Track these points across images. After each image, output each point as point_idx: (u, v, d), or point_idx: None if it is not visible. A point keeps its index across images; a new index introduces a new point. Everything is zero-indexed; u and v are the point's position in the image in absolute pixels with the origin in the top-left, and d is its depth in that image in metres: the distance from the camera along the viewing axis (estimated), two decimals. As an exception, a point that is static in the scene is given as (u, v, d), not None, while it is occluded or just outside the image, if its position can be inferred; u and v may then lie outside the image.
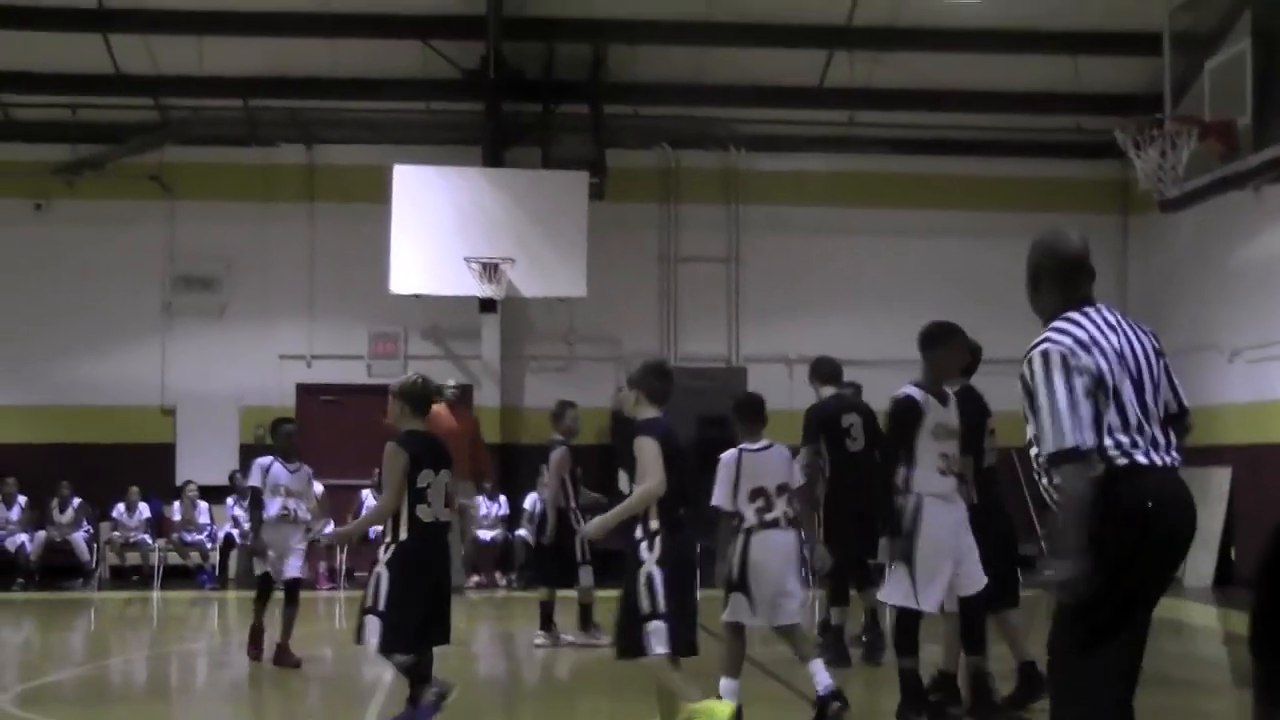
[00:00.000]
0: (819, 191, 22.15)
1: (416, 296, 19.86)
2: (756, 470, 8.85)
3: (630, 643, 7.54)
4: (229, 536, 20.01)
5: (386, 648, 8.22)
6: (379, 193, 19.54)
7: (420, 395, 8.73)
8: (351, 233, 20.96)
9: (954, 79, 20.86)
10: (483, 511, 19.95)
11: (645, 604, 7.43)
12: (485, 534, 19.90)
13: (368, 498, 19.07)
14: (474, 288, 19.61)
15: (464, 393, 18.84)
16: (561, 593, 13.02)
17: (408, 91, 21.19)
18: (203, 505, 20.29)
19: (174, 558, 20.00)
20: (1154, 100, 17.03)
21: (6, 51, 20.10)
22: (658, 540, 7.55)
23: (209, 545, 20.10)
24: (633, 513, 7.59)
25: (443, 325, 21.52)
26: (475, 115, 21.18)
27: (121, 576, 20.04)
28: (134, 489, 20.27)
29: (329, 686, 11.03)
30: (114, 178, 21.46)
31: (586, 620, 13.08)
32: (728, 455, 8.96)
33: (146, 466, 20.66)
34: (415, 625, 8.17)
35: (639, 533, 7.58)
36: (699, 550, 7.95)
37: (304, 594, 11.95)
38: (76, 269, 21.44)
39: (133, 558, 20.25)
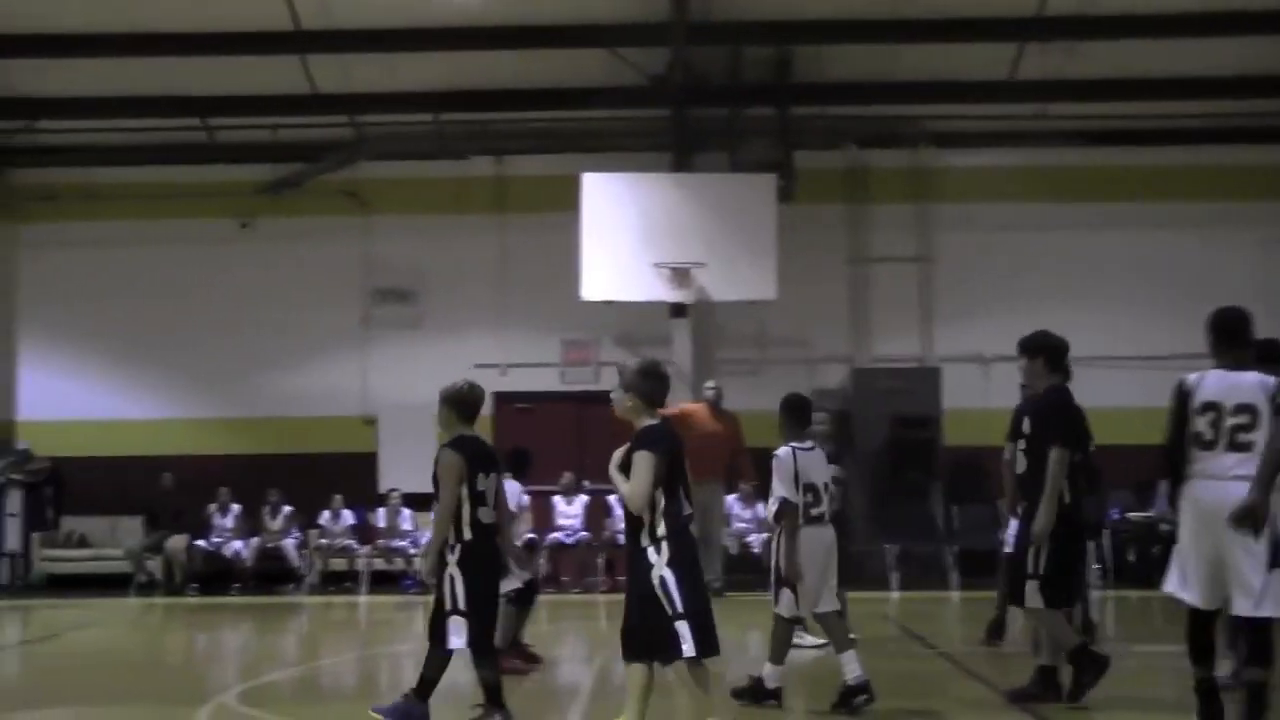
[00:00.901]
0: (1012, 187, 21.82)
1: (608, 303, 20.01)
2: (807, 468, 9.41)
3: (651, 647, 7.45)
4: (432, 542, 20.36)
5: (477, 646, 8.38)
6: (568, 201, 19.73)
7: (467, 401, 8.89)
8: (542, 242, 21.20)
9: (1150, 66, 20.38)
10: (745, 514, 19.88)
11: (666, 607, 7.39)
12: (753, 538, 19.73)
13: (559, 503, 19.33)
14: (664, 293, 19.70)
15: (721, 393, 18.66)
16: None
17: (594, 100, 21.33)
18: (406, 512, 20.71)
19: (379, 563, 20.45)
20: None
21: (210, 77, 20.78)
22: (664, 544, 7.46)
23: (412, 551, 20.49)
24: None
25: (634, 331, 21.64)
26: (662, 121, 21.29)
27: (330, 581, 20.57)
28: (338, 497, 20.79)
29: (536, 688, 11.16)
30: (312, 195, 22.06)
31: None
32: (783, 452, 9.44)
33: (350, 475, 21.18)
34: (493, 623, 8.58)
35: (644, 539, 7.48)
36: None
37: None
38: (279, 284, 22.09)
39: (340, 563, 20.78)
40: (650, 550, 7.45)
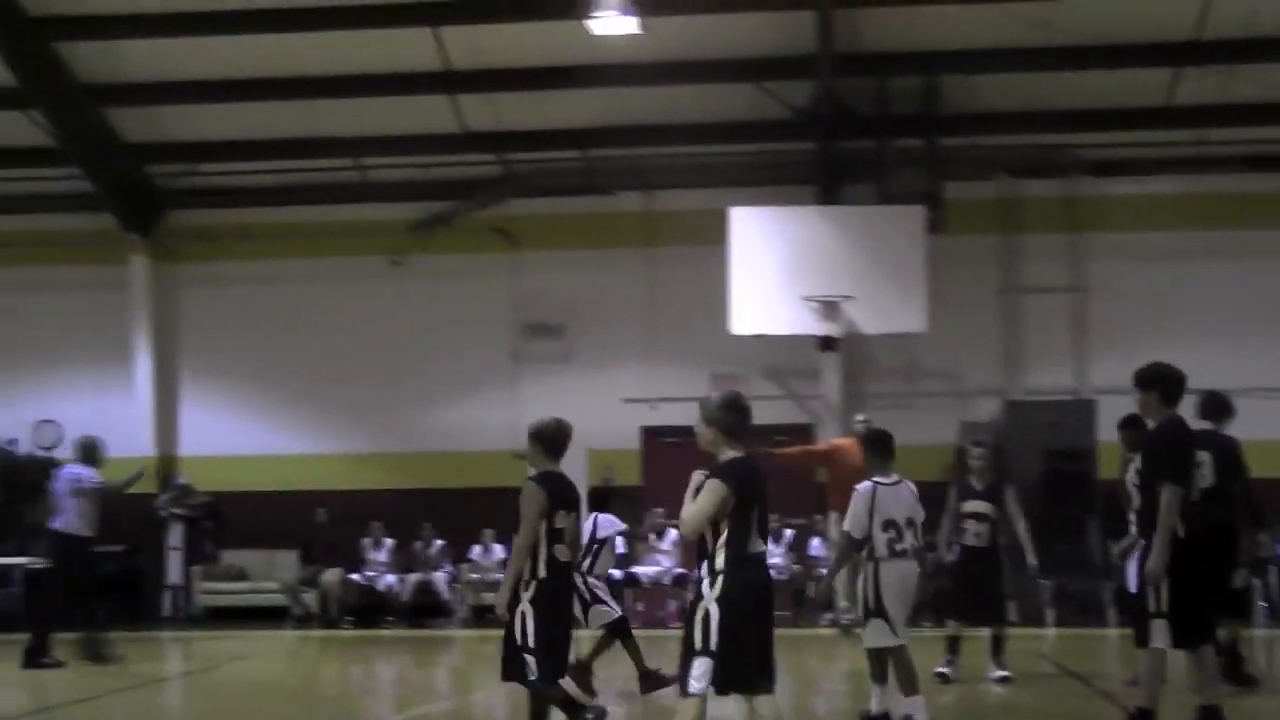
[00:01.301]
0: (1171, 215, 21.37)
1: (757, 337, 19.95)
2: (888, 503, 9.44)
3: (682, 679, 7.23)
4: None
5: (548, 682, 8.26)
6: (716, 235, 19.73)
7: (554, 437, 8.84)
8: (690, 276, 21.21)
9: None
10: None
11: (698, 639, 7.21)
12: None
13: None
14: (813, 326, 19.61)
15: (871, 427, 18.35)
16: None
17: (741, 134, 21.35)
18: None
19: (528, 598, 20.47)
20: None
21: (362, 118, 21.19)
22: (719, 579, 7.22)
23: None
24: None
25: (783, 364, 21.55)
26: (808, 154, 21.22)
27: (481, 615, 20.68)
28: (488, 531, 20.93)
29: None
30: (462, 232, 22.34)
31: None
32: (863, 487, 9.45)
33: (500, 509, 21.10)
34: (564, 662, 8.47)
35: (704, 569, 7.31)
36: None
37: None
38: (431, 321, 22.37)
39: (490, 597, 20.83)
40: (705, 582, 7.30)
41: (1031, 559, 12.75)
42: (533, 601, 8.27)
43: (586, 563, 11.95)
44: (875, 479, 9.53)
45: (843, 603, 17.77)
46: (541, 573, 8.30)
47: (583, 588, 11.94)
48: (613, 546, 12.99)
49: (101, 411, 22.65)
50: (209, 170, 22.58)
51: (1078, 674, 13.37)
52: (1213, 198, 21.34)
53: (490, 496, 21.68)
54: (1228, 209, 21.24)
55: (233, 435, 22.65)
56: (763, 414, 22.25)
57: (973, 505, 12.60)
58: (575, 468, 22.45)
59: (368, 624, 20.41)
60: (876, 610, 9.35)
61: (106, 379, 22.84)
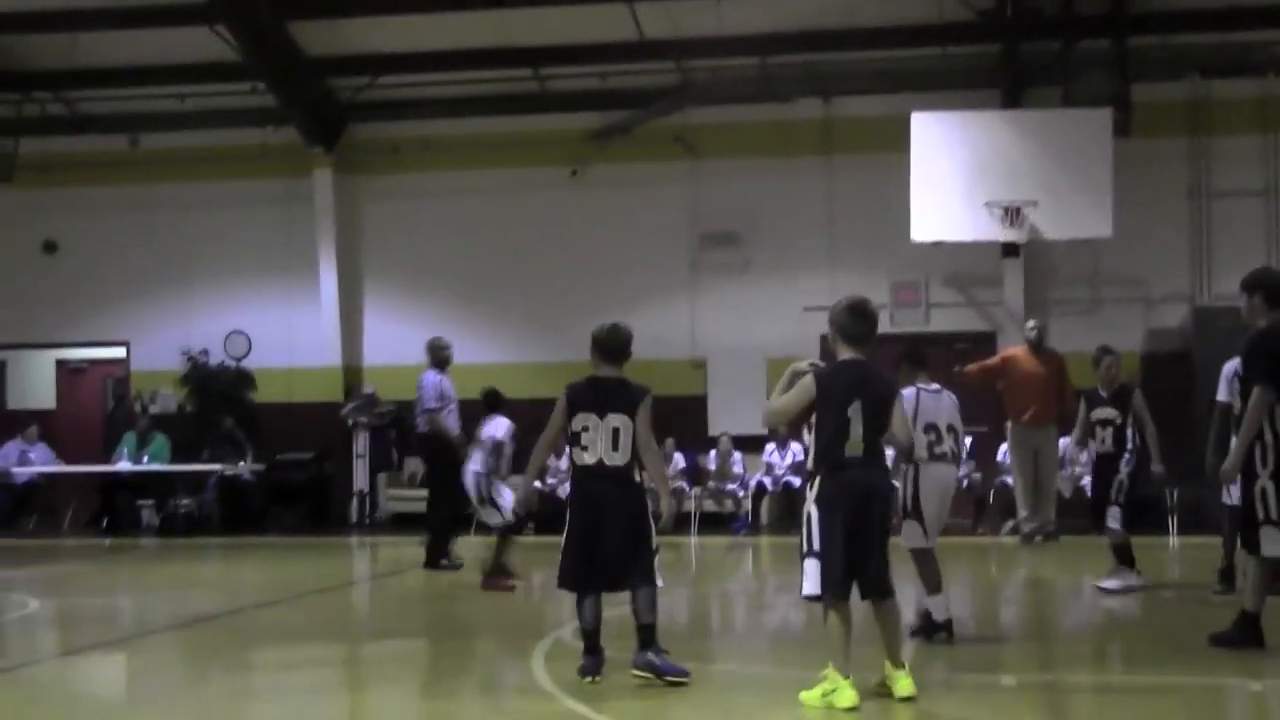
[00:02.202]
0: (1370, 112, 20.55)
1: (937, 244, 19.70)
2: (930, 408, 9.54)
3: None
4: (760, 485, 20.51)
5: (562, 584, 8.41)
6: (897, 142, 19.47)
7: (601, 342, 8.73)
8: (870, 183, 20.99)
9: None
10: (1080, 457, 19.39)
11: (803, 543, 7.55)
12: (1086, 481, 19.20)
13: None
14: (996, 232, 19.30)
15: (1044, 333, 18.07)
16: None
17: (923, 38, 20.99)
18: (736, 455, 20.84)
19: (709, 505, 20.66)
20: None
21: (541, 28, 21.27)
22: (816, 481, 7.61)
23: (741, 494, 20.66)
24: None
25: (964, 272, 21.27)
26: (992, 57, 20.82)
27: (657, 520, 20.83)
28: (669, 440, 21.02)
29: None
30: (640, 141, 22.32)
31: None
32: (907, 392, 9.30)
33: (681, 418, 21.35)
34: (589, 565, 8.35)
35: (806, 474, 7.79)
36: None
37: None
38: (609, 230, 22.46)
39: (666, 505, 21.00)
40: (807, 486, 7.72)
41: (1157, 466, 12.53)
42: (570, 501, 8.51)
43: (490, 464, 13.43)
44: (918, 385, 9.57)
45: (1022, 511, 17.62)
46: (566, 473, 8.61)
47: (480, 487, 13.54)
48: (500, 449, 13.93)
49: (289, 323, 23.31)
50: (390, 83, 22.82)
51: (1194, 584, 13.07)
52: None
53: (669, 405, 21.57)
54: None
55: (415, 345, 22.76)
56: (944, 321, 22.26)
57: (1100, 412, 12.59)
58: (754, 376, 22.69)
59: (550, 530, 20.69)
60: (913, 511, 9.48)
61: (293, 291, 23.38)
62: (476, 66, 22.24)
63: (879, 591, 7.63)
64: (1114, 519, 12.37)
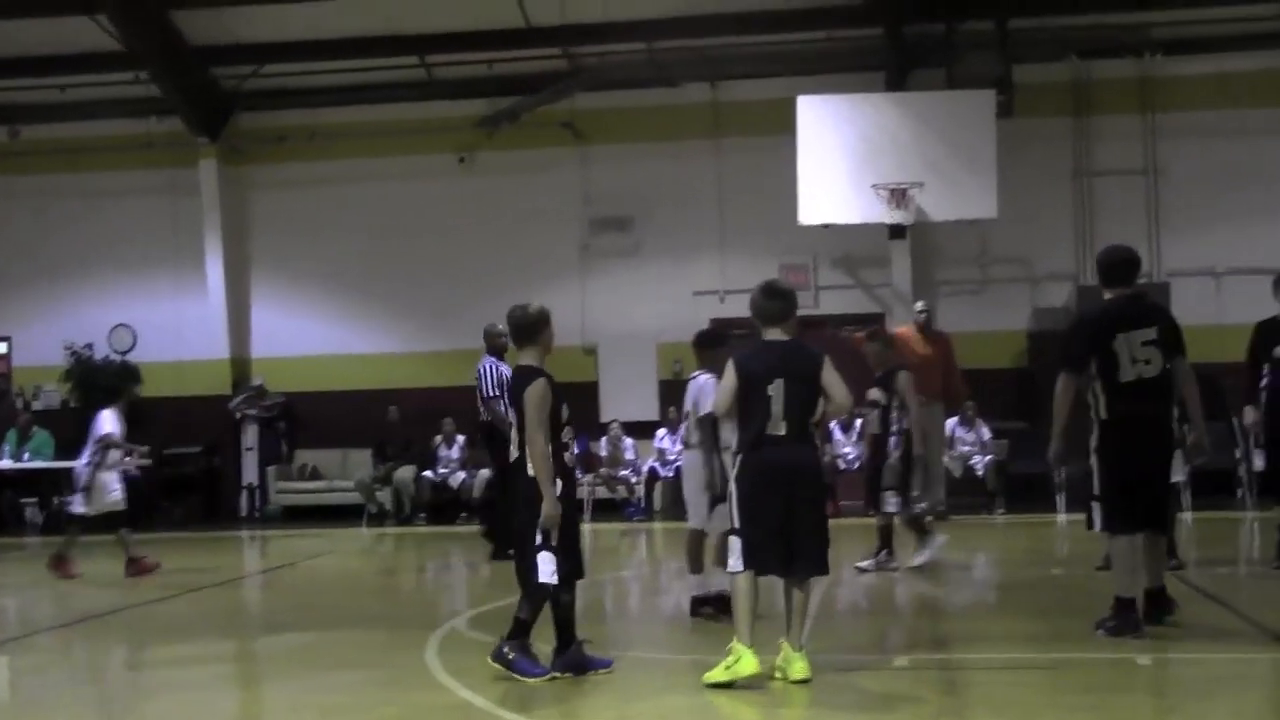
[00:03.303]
0: (1245, 93, 20.97)
1: (825, 226, 19.82)
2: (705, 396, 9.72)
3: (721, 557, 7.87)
4: (653, 470, 20.55)
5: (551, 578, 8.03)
6: (784, 125, 19.57)
7: (516, 325, 8.51)
8: (758, 166, 21.08)
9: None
10: (968, 436, 19.61)
11: (730, 518, 7.73)
12: (976, 460, 19.52)
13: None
14: (883, 214, 19.45)
15: (931, 314, 18.16)
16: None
17: (808, 21, 21.10)
18: (628, 441, 20.87)
19: (602, 491, 20.65)
20: None
21: (427, 15, 21.12)
22: (737, 459, 7.74)
23: (634, 479, 20.68)
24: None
25: (853, 253, 21.46)
26: (877, 40, 20.98)
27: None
28: (567, 428, 20.96)
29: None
30: (529, 127, 22.26)
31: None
32: (703, 381, 9.87)
33: (572, 404, 21.22)
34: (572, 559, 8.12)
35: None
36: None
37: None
38: (498, 217, 22.39)
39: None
40: (730, 465, 7.92)
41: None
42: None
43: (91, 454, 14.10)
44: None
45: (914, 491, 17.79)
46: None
47: (84, 476, 14.22)
48: (108, 442, 14.36)
49: (176, 315, 22.99)
50: (275, 71, 22.55)
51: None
52: (1291, 74, 20.92)
53: (561, 391, 21.80)
54: (1305, 86, 20.82)
55: (305, 336, 22.84)
56: (833, 303, 22.37)
57: (869, 394, 12.96)
58: (645, 361, 22.70)
59: (441, 520, 20.63)
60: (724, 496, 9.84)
61: (180, 282, 23.06)
62: (363, 54, 22.03)
63: (799, 571, 7.67)
64: (890, 504, 12.60)
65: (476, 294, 22.23)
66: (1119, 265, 9.01)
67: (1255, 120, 20.82)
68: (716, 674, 7.53)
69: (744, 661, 7.44)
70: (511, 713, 7.33)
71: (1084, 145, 21.42)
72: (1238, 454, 19.07)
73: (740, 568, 7.64)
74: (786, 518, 7.59)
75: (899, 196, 19.22)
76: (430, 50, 22.10)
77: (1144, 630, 8.74)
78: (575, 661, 8.05)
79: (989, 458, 19.42)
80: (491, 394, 14.67)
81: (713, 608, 10.17)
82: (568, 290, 22.07)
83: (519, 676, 7.88)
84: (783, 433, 7.61)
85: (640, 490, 20.68)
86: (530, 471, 8.03)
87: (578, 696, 7.75)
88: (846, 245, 21.17)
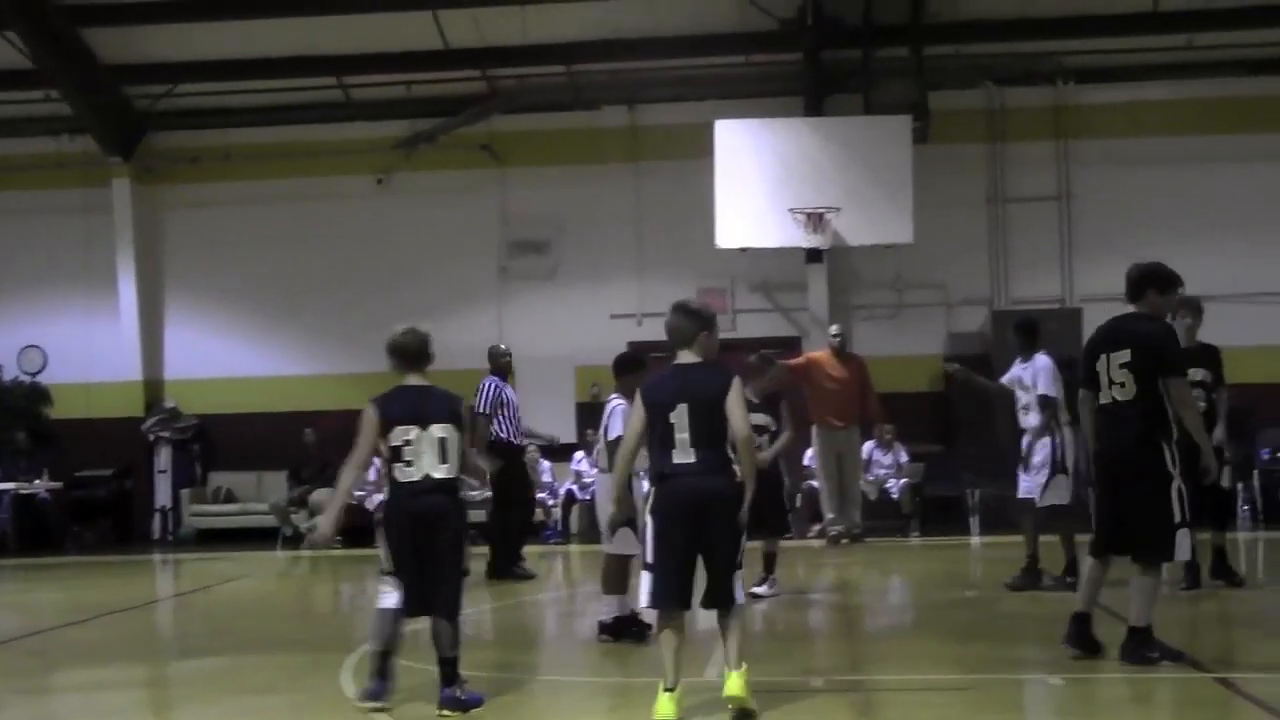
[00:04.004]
0: (1157, 121, 21.29)
1: (743, 250, 19.91)
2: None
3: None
4: (569, 493, 20.51)
5: (411, 609, 7.84)
6: (702, 149, 19.64)
7: (398, 348, 8.24)
8: (677, 190, 21.13)
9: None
10: (884, 460, 19.70)
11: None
12: (892, 484, 19.60)
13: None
14: (800, 238, 19.56)
15: (846, 338, 18.28)
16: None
17: (727, 46, 21.23)
18: (545, 464, 20.81)
19: (518, 514, 20.52)
20: None
21: (345, 36, 21.01)
22: (650, 490, 7.45)
23: (551, 502, 20.61)
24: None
25: (770, 278, 21.56)
26: (795, 65, 21.11)
27: (470, 533, 20.73)
28: (474, 450, 20.90)
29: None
30: (447, 150, 22.23)
31: None
32: (618, 405, 10.11)
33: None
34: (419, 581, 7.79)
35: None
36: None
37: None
38: (416, 239, 22.31)
39: (479, 515, 20.89)
40: (646, 496, 7.57)
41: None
42: (381, 525, 7.93)
43: None
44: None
45: (828, 514, 17.91)
46: (385, 495, 7.95)
47: None
48: None
49: (87, 336, 22.70)
50: (190, 91, 22.37)
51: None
52: (1198, 103, 21.26)
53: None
54: (1213, 114, 21.16)
55: (219, 357, 22.63)
56: (750, 327, 22.54)
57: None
58: (564, 384, 22.71)
59: (357, 543, 20.43)
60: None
61: (92, 303, 22.77)
62: (279, 75, 21.89)
63: (715, 603, 7.41)
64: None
65: (394, 316, 21.64)
66: (1128, 281, 8.87)
67: (1165, 148, 21.13)
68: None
69: (659, 705, 7.21)
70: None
71: (999, 171, 21.66)
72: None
73: (646, 604, 7.47)
74: (694, 551, 7.30)
75: (816, 221, 19.33)
76: (348, 71, 22.01)
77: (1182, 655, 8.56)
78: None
79: (904, 480, 19.56)
80: (480, 411, 14.72)
81: (610, 635, 10.11)
82: (485, 312, 22.04)
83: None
84: (691, 460, 7.28)
85: (557, 513, 20.61)
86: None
87: (495, 716, 7.70)
88: (764, 269, 21.27)
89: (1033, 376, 12.44)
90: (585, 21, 20.93)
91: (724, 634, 7.45)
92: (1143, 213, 21.01)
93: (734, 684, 7.26)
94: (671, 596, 7.34)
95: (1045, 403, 12.36)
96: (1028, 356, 12.61)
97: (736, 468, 7.35)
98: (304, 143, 22.53)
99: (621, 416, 10.09)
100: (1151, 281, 8.79)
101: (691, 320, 7.56)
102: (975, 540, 18.26)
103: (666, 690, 7.22)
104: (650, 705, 7.28)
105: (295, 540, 20.79)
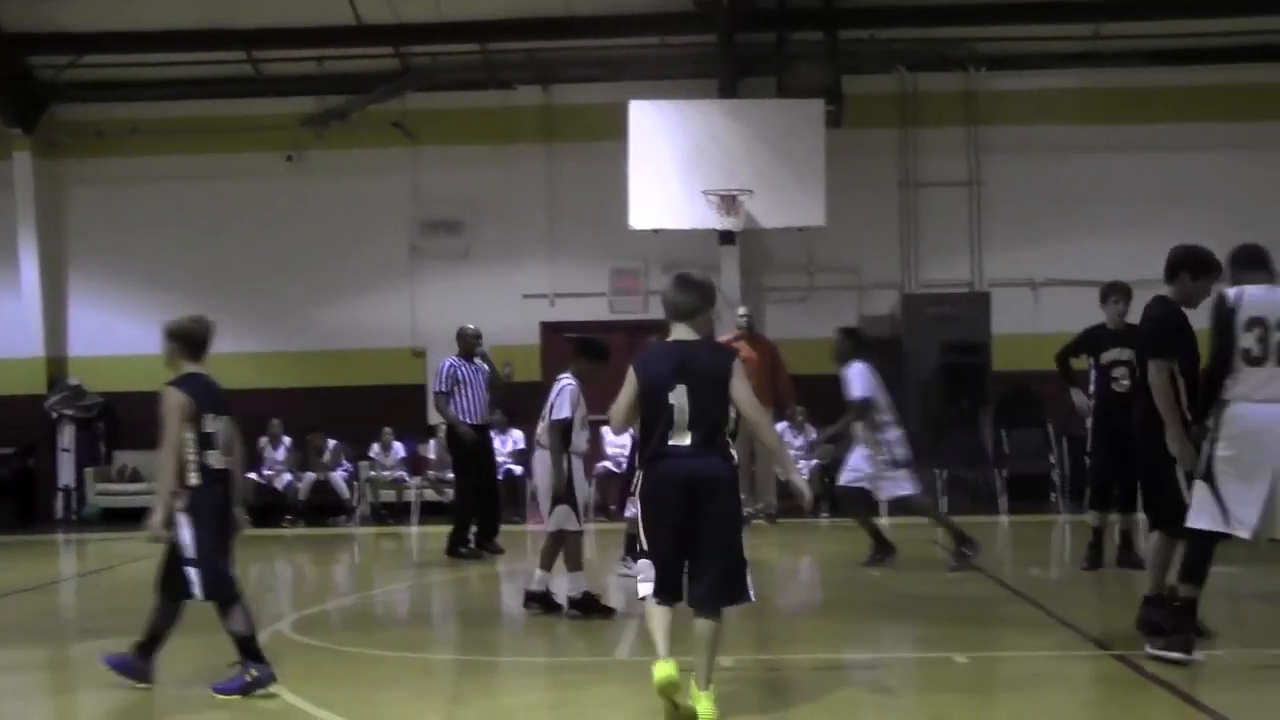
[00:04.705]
0: (1065, 109, 21.51)
1: (655, 231, 19.90)
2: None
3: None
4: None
5: (209, 595, 7.93)
6: (616, 130, 19.61)
7: (193, 335, 8.13)
8: (590, 171, 21.08)
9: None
10: (796, 441, 19.72)
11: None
12: (802, 465, 19.56)
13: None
14: (713, 220, 19.58)
15: (753, 320, 18.45)
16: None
17: (642, 27, 21.19)
18: (515, 433, 20.63)
19: (430, 494, 20.48)
20: None
21: (255, 9, 20.77)
22: (639, 472, 6.99)
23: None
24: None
25: (682, 259, 21.38)
26: (709, 47, 21.11)
27: (377, 513, 20.66)
28: (387, 430, 20.83)
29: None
30: (359, 127, 22.01)
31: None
32: (570, 387, 10.22)
33: (400, 407, 21.19)
34: (228, 571, 7.96)
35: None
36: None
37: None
38: (327, 217, 22.09)
39: (390, 495, 20.86)
40: (634, 479, 7.29)
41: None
42: (188, 511, 7.85)
43: None
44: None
45: (742, 495, 17.95)
46: (193, 481, 7.82)
47: None
48: None
49: (-12, 312, 22.28)
50: (95, 62, 21.96)
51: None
52: (1107, 92, 21.50)
53: (389, 394, 21.63)
54: (1122, 103, 21.40)
55: (125, 335, 22.22)
56: (662, 308, 22.17)
57: None
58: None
59: (266, 523, 20.28)
60: (567, 497, 9.98)
61: (-8, 279, 22.38)
62: (187, 48, 21.57)
63: (703, 597, 6.87)
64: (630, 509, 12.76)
65: (305, 295, 22.01)
66: (1165, 263, 8.88)
67: (1073, 136, 21.35)
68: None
69: (656, 667, 6.71)
70: (333, 714, 7.23)
71: (910, 156, 21.79)
72: (1051, 459, 19.68)
73: (647, 593, 6.90)
74: (688, 538, 6.79)
75: (729, 203, 19.37)
76: (258, 45, 21.74)
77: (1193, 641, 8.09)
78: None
79: (814, 462, 19.64)
80: (437, 389, 15.07)
81: (540, 605, 10.18)
82: (397, 292, 21.91)
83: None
84: (686, 442, 6.79)
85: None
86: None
87: (402, 700, 7.65)
88: (677, 251, 21.21)
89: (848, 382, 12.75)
90: (499, 0, 20.81)
91: (703, 644, 6.86)
92: (1051, 199, 21.24)
93: (707, 708, 6.69)
94: (666, 586, 6.88)
95: (858, 406, 12.85)
96: (845, 364, 12.87)
97: (733, 450, 7.04)
98: (213, 118, 22.23)
99: (570, 397, 10.04)
100: (1185, 265, 8.69)
101: (695, 294, 7.18)
102: (884, 521, 18.37)
103: (662, 659, 6.76)
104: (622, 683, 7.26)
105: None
